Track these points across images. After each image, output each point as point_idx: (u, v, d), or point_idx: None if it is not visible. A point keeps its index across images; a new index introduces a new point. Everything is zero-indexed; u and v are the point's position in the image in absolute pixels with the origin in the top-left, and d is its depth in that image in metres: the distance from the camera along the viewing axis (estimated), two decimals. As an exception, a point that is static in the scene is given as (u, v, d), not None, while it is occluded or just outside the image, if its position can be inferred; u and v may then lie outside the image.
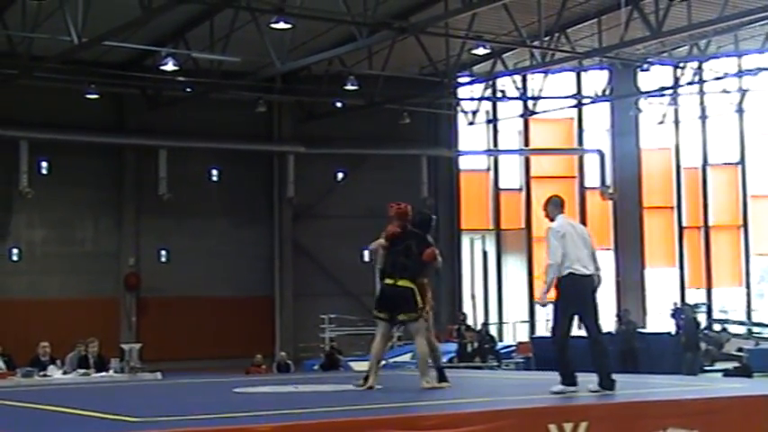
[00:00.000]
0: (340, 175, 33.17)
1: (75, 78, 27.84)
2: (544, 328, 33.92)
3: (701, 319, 29.92)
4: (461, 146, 34.90)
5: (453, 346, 25.11)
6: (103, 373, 18.68)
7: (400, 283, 10.90)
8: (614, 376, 10.16)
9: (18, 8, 22.73)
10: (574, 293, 10.19)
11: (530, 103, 33.67)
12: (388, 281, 10.99)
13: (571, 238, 10.26)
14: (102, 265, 30.42)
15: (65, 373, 18.59)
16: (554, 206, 10.61)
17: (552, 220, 10.51)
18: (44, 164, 29.51)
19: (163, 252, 31.09)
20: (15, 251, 29.41)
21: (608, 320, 30.11)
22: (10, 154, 28.29)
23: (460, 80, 31.99)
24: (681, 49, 30.81)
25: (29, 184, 28.46)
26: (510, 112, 34.82)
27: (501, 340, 31.84)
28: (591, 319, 10.30)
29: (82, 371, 18.61)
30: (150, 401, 11.66)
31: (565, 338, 10.26)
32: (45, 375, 18.16)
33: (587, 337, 10.31)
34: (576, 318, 10.33)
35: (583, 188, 35.35)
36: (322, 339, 29.31)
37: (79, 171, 29.79)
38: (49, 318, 27.61)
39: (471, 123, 34.45)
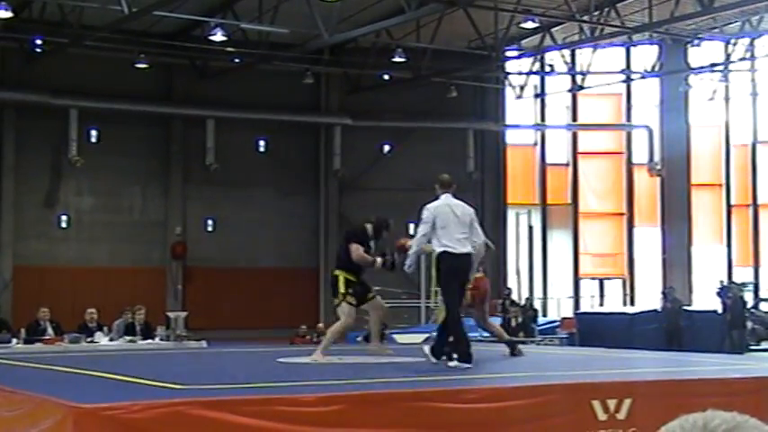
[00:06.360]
0: (386, 148, 33.06)
1: (124, 48, 27.99)
2: (588, 305, 33.84)
3: (748, 297, 29.67)
4: (508, 120, 34.67)
5: (498, 321, 25.07)
6: (149, 341, 18.91)
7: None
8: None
9: (69, -23, 22.93)
10: (453, 269, 10.74)
11: (578, 77, 33.40)
12: None
13: (444, 219, 10.77)
14: (149, 233, 30.64)
15: (111, 339, 18.83)
16: (439, 185, 11.15)
17: (437, 198, 11.08)
18: (93, 132, 29.65)
19: (209, 221, 31.21)
20: (64, 218, 29.63)
21: (654, 298, 30.13)
22: (60, 122, 28.51)
23: (508, 54, 31.80)
24: (732, 24, 30.39)
25: (78, 152, 28.66)
26: (558, 86, 34.57)
27: (545, 315, 31.78)
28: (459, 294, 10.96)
29: (128, 338, 18.85)
30: (196, 369, 11.77)
31: (459, 314, 10.86)
32: (92, 342, 18.40)
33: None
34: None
35: (630, 164, 35.07)
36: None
37: (128, 140, 29.96)
38: (97, 285, 27.91)
39: (519, 97, 34.22)
